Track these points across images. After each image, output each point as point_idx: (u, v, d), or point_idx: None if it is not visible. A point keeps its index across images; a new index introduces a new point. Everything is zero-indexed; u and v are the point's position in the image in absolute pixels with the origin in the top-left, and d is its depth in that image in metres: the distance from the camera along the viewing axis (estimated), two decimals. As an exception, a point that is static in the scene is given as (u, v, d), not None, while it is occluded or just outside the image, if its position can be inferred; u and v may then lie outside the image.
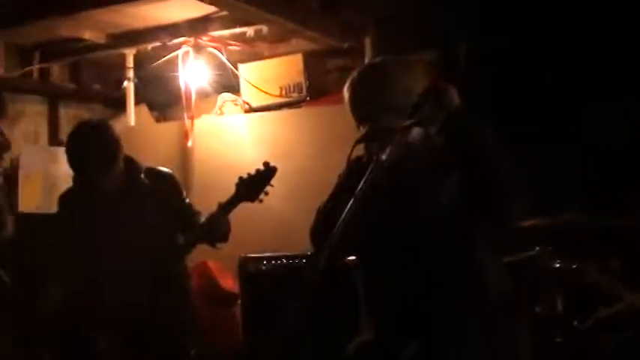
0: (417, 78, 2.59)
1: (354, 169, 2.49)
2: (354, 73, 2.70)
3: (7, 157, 5.63)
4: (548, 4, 5.10)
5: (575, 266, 3.93)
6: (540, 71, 5.06)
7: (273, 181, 3.60)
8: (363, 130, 2.52)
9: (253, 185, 3.54)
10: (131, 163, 3.72)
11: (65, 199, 3.84)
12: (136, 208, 3.62)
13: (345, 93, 2.69)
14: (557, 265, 4.04)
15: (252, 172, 3.56)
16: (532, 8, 5.15)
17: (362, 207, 2.18)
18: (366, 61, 5.14)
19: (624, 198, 4.37)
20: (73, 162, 3.58)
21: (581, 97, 4.93)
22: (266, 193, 3.58)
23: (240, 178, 3.54)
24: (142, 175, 3.72)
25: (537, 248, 4.07)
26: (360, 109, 2.62)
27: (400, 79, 2.57)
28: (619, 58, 4.94)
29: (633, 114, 4.71)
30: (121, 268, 3.52)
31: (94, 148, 3.55)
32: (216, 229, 3.57)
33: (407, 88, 2.53)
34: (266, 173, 3.56)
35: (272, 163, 3.60)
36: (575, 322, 3.91)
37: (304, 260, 4.62)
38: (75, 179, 3.76)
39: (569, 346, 3.89)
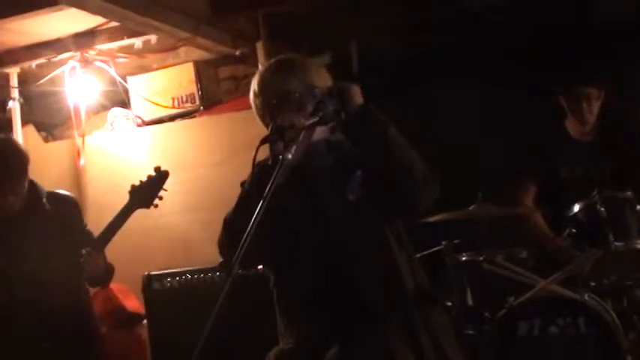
0: (318, 77, 2.60)
1: (258, 173, 2.46)
2: (264, 66, 2.72)
3: None
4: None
5: (482, 258, 3.96)
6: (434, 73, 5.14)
7: (169, 187, 3.61)
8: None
9: (146, 191, 3.55)
10: (33, 186, 3.59)
11: None
12: (36, 234, 3.54)
13: (254, 84, 2.66)
14: (465, 258, 4.08)
15: (144, 178, 3.56)
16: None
17: (271, 210, 2.14)
18: (260, 67, 5.09)
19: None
20: None
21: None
22: (160, 198, 3.57)
23: (133, 185, 3.56)
24: (44, 200, 3.61)
25: (444, 242, 4.09)
26: (268, 98, 2.58)
27: (305, 73, 2.58)
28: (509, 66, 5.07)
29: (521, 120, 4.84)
30: (22, 294, 3.45)
31: (3, 164, 3.46)
32: (111, 236, 3.52)
33: (310, 83, 2.54)
34: (158, 178, 3.57)
35: (164, 168, 3.61)
36: (486, 314, 3.95)
37: (210, 274, 4.52)
38: None
39: (480, 338, 3.91)
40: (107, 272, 3.63)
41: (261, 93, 2.62)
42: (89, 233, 3.71)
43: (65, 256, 3.54)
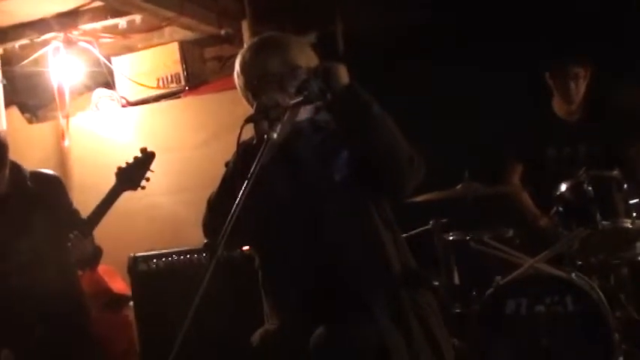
0: (303, 56, 2.57)
1: (243, 153, 2.43)
2: (246, 45, 2.68)
3: None
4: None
5: (469, 237, 3.96)
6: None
7: (154, 168, 3.55)
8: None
9: (133, 173, 3.50)
10: (16, 168, 3.55)
11: None
12: (24, 217, 3.49)
13: (236, 64, 2.63)
14: (452, 237, 4.08)
15: (130, 160, 3.51)
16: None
17: (256, 190, 2.11)
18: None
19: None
20: None
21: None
22: (147, 180, 3.52)
23: (119, 167, 3.50)
24: (28, 182, 3.57)
25: (431, 222, 4.09)
26: (249, 78, 2.57)
27: (287, 52, 2.54)
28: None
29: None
30: (17, 282, 3.41)
31: None
32: (98, 219, 3.47)
33: (292, 62, 2.52)
34: (144, 159, 3.51)
35: (149, 149, 3.55)
36: (474, 293, 3.95)
37: (196, 255, 4.50)
38: None
39: (468, 317, 3.92)
40: (95, 255, 3.59)
41: (242, 73, 2.60)
42: (76, 212, 3.67)
43: (54, 236, 3.49)
